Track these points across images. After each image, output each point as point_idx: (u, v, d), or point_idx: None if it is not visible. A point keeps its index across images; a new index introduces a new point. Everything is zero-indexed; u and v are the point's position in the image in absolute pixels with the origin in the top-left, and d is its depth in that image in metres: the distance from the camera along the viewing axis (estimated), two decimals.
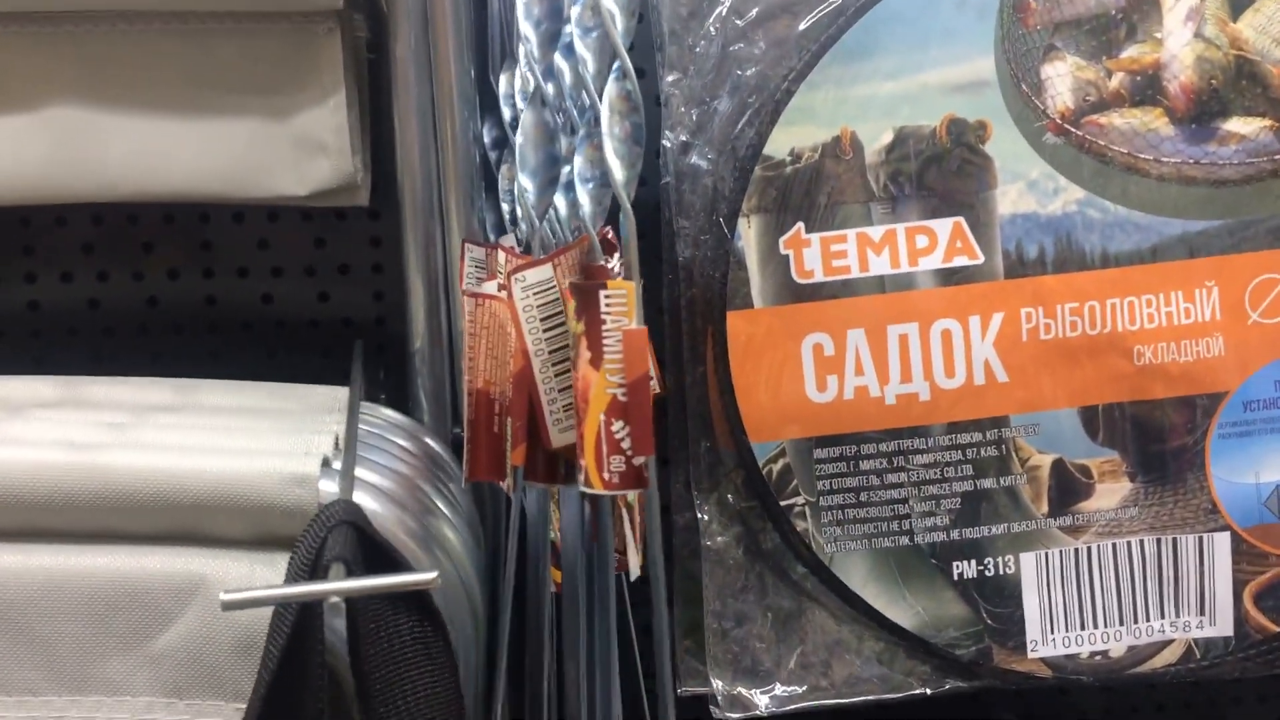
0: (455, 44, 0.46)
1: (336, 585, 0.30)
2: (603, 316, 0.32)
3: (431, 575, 0.26)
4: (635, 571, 0.38)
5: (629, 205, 0.33)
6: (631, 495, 0.35)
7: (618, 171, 0.33)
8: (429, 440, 0.47)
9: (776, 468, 0.46)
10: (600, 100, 0.33)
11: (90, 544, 0.37)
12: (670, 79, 0.47)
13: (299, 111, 0.48)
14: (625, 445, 0.33)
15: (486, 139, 0.50)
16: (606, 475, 0.33)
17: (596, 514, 0.37)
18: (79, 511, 0.36)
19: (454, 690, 0.32)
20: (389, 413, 0.47)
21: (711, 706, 0.48)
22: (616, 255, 0.35)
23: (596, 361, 0.32)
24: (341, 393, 0.44)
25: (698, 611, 0.49)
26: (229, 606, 0.29)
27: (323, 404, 0.42)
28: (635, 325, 0.33)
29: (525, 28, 0.33)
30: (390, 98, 0.48)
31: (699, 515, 0.48)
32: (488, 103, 0.49)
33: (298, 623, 0.30)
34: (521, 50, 0.38)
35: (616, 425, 0.33)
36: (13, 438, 0.39)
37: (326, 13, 0.47)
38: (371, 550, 0.32)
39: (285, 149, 0.49)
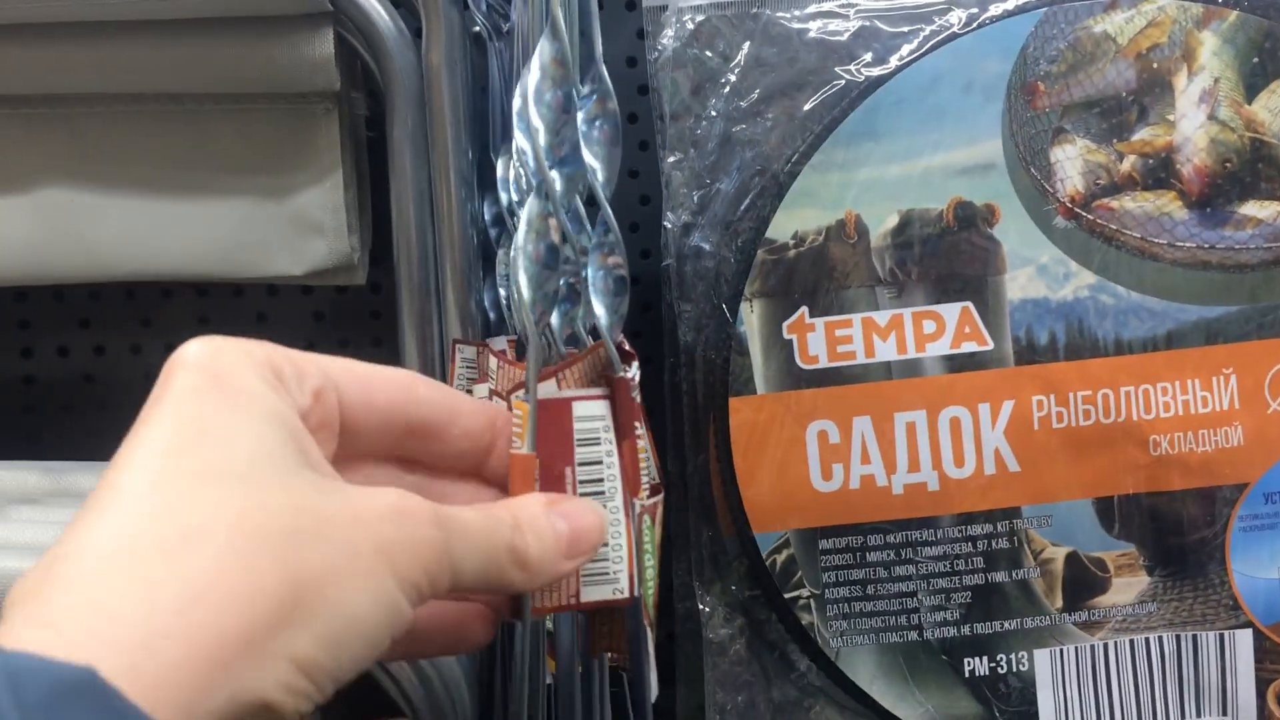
0: (453, 125, 0.45)
1: None
2: (512, 438, 0.31)
3: None
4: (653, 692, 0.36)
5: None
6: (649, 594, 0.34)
7: (599, 311, 0.33)
8: None
9: (780, 559, 0.45)
10: (609, 210, 0.33)
11: None
12: (671, 159, 0.46)
13: (296, 191, 0.48)
14: None
15: (486, 216, 0.49)
16: None
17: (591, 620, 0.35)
18: None
19: None
20: None
21: None
22: (635, 364, 0.34)
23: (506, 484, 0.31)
24: None
25: (700, 699, 0.48)
26: None
27: None
28: (525, 450, 0.31)
29: (522, 141, 0.32)
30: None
31: (700, 606, 0.46)
32: (488, 180, 0.49)
33: None
34: (518, 159, 0.37)
35: None
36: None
37: (324, 93, 0.46)
38: None
39: (282, 229, 0.48)
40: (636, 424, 0.32)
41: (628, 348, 0.33)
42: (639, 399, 0.33)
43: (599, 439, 0.32)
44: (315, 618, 0.24)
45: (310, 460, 0.27)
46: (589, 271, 0.33)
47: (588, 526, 0.30)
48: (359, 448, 0.30)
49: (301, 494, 0.26)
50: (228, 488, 0.25)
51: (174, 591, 0.23)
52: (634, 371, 0.33)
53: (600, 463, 0.32)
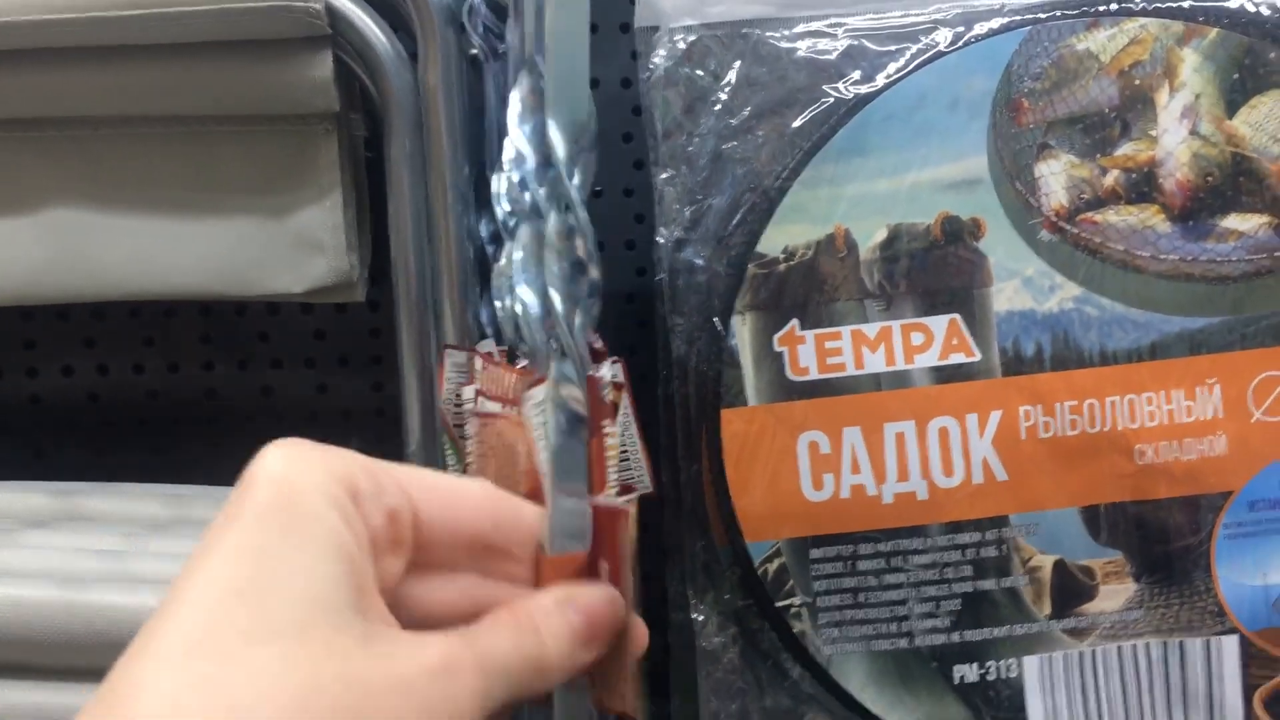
0: (449, 145, 0.46)
1: None
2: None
3: None
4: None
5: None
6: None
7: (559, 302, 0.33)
8: None
9: (772, 568, 0.46)
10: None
11: (77, 682, 0.36)
12: (664, 176, 0.47)
13: (296, 211, 0.49)
14: None
15: (483, 233, 0.50)
16: None
17: None
18: (68, 651, 0.36)
19: None
20: None
21: None
22: (608, 361, 0.34)
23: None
24: None
25: (694, 707, 0.48)
26: None
27: None
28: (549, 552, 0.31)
29: (519, 145, 0.32)
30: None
31: (694, 616, 0.47)
32: (485, 197, 0.50)
33: None
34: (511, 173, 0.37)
35: None
36: (6, 570, 0.38)
37: (324, 115, 0.47)
38: None
39: (283, 248, 0.49)
40: (605, 422, 0.32)
41: (598, 346, 0.34)
42: (612, 398, 0.33)
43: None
44: None
45: (363, 602, 0.27)
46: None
47: (600, 614, 0.30)
48: (434, 561, 0.30)
49: (349, 658, 0.26)
50: (276, 652, 0.25)
51: None
52: (604, 369, 0.33)
53: None
